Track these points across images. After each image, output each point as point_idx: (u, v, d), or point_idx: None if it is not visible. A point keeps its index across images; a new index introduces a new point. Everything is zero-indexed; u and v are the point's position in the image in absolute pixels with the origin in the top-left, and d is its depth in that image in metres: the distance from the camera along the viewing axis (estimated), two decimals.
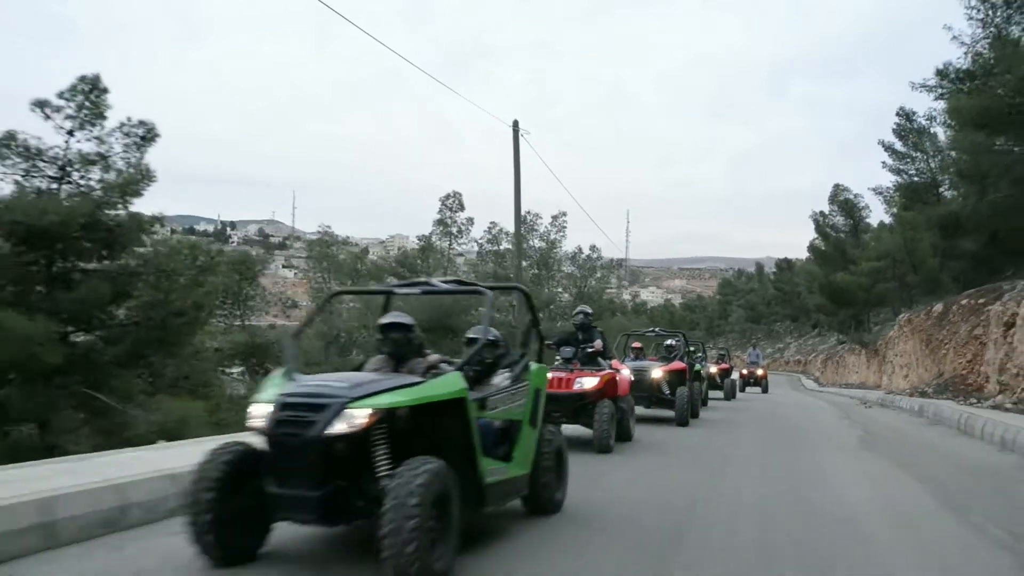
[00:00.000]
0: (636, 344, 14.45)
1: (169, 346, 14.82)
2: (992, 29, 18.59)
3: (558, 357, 8.98)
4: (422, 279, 5.43)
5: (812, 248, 50.52)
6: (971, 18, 18.77)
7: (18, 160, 13.90)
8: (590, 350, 8.96)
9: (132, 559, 3.83)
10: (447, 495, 3.54)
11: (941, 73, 18.67)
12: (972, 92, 17.98)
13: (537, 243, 41.81)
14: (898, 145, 32.33)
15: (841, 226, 45.78)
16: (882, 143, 32.39)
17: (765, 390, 26.60)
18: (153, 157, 15.30)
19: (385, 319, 4.51)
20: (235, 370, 26.87)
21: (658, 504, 5.58)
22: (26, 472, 4.82)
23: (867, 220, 44.61)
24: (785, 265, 71.22)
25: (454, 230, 36.55)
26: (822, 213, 46.59)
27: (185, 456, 5.00)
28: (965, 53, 18.56)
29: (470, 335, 5.83)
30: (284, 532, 4.01)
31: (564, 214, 40.29)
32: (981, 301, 17.24)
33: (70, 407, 12.97)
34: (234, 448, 3.76)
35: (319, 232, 46.66)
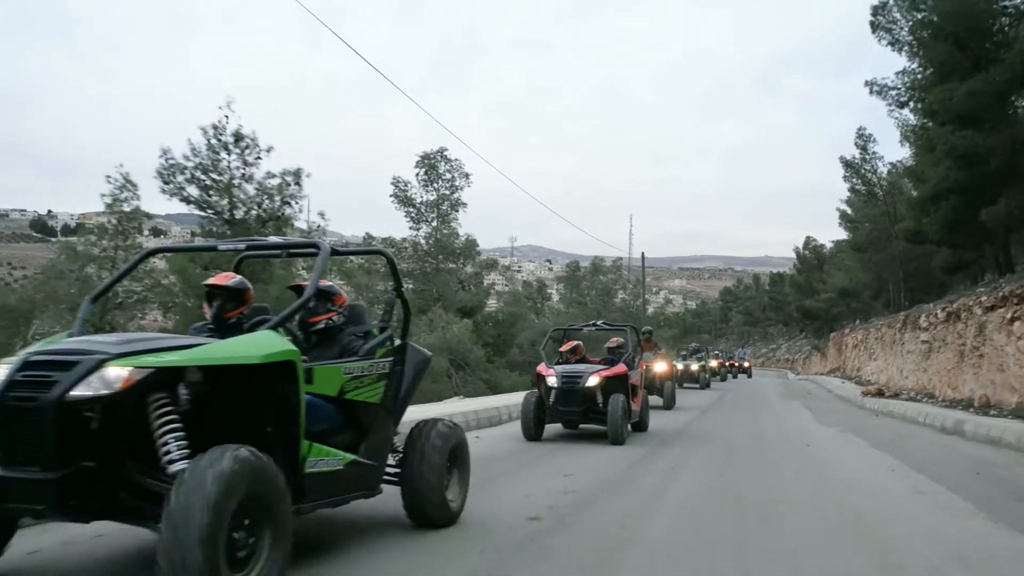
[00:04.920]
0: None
1: None
2: (862, 188, 38.29)
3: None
4: (253, 238, 4.61)
5: (790, 280, 69.76)
6: (849, 182, 38.56)
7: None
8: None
9: None
10: (260, 496, 2.76)
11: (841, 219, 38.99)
12: (852, 230, 37.99)
13: (603, 277, 59.04)
14: (849, 211, 47.91)
15: (811, 263, 63.72)
16: (838, 209, 45.47)
17: (749, 376, 40.32)
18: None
19: (210, 280, 3.95)
20: None
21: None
22: None
23: (835, 255, 61.21)
24: (778, 278, 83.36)
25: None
26: (797, 253, 65.98)
27: None
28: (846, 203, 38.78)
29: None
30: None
31: (621, 257, 57.62)
32: (851, 329, 36.95)
33: None
34: None
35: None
